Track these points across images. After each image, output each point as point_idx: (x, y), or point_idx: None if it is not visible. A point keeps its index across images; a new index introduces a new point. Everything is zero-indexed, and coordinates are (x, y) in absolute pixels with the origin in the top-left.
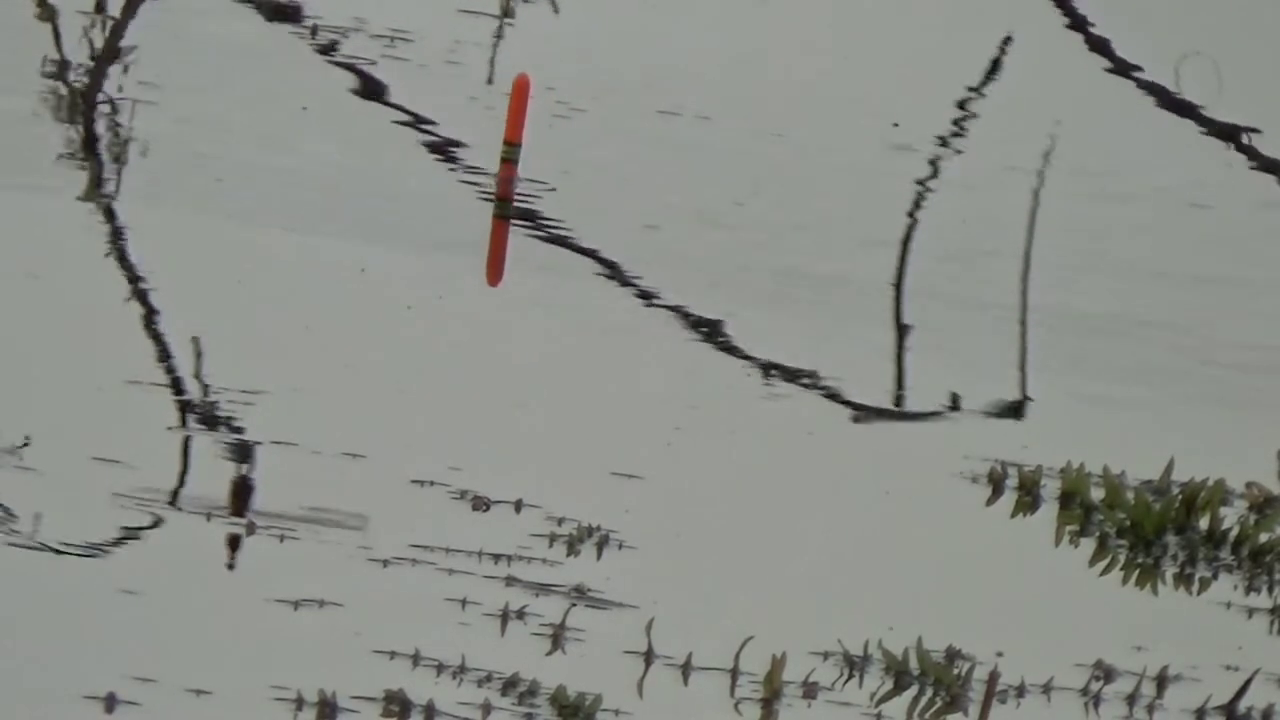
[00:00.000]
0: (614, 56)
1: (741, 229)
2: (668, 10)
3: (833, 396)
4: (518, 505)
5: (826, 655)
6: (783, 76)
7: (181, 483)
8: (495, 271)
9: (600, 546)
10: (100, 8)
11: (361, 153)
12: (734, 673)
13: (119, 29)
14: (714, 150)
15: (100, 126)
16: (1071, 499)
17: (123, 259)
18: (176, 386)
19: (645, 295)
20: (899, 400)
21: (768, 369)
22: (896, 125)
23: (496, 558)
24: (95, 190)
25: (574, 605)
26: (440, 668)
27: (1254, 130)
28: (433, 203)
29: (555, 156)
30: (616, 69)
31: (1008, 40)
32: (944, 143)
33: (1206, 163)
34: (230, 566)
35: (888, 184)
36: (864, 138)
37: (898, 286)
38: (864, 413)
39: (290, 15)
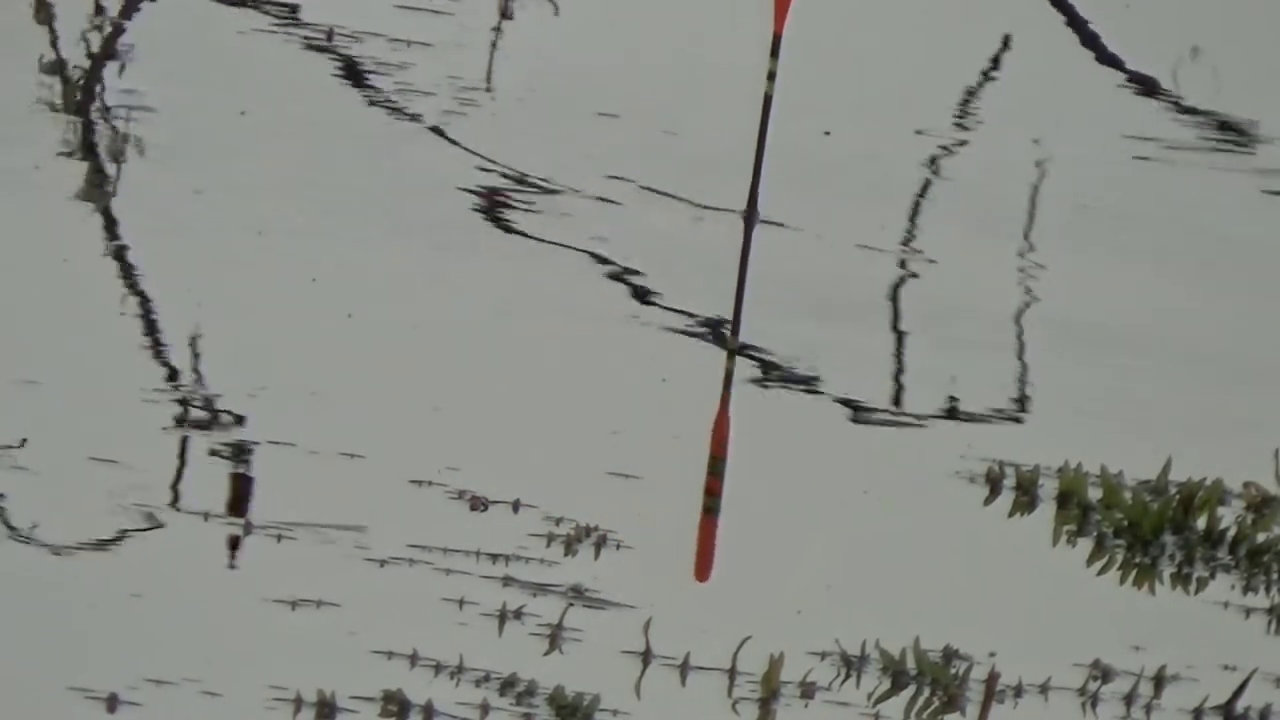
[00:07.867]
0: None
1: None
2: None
3: (831, 397)
4: (515, 505)
5: (824, 655)
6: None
7: (179, 483)
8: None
9: (598, 546)
10: (99, 8)
11: (360, 153)
12: (732, 673)
13: (117, 29)
14: (717, 151)
15: (98, 125)
16: (1069, 499)
17: (121, 258)
18: (174, 387)
19: (643, 295)
20: (897, 400)
21: (766, 368)
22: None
23: (494, 557)
24: (93, 189)
25: (571, 605)
26: (438, 668)
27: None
28: (430, 204)
29: (558, 158)
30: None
31: (1006, 38)
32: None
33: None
34: (229, 567)
35: (885, 183)
36: (864, 137)
37: (895, 286)
38: (862, 412)
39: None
